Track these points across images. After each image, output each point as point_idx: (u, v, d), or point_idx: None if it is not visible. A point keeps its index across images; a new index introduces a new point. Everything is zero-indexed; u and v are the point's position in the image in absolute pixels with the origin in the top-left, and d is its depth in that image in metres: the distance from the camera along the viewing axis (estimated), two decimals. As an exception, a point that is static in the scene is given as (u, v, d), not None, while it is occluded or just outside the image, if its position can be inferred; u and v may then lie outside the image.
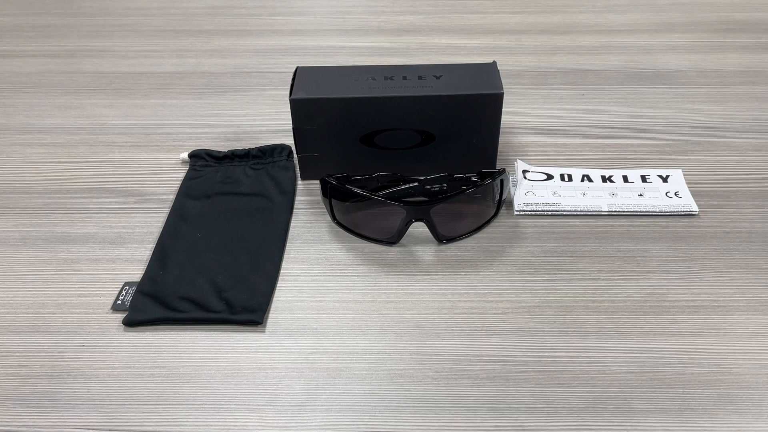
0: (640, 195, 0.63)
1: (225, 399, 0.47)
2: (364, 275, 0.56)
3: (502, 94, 0.61)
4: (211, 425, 0.46)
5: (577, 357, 0.49)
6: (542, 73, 0.84)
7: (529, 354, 0.50)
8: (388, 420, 0.46)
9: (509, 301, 0.54)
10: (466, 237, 0.59)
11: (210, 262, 0.57)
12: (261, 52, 0.89)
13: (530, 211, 0.62)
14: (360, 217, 0.60)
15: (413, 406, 0.46)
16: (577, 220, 0.61)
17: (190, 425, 0.46)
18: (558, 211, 0.61)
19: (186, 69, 0.86)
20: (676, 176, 0.65)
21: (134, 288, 0.54)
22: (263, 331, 0.52)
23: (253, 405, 0.47)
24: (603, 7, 0.99)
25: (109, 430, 0.45)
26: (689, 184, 0.64)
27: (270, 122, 0.75)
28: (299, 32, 0.93)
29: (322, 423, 0.45)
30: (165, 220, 0.62)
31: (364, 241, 0.59)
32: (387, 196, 0.57)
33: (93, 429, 0.45)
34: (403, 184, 0.61)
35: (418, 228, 0.59)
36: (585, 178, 0.65)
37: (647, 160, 0.68)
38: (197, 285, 0.54)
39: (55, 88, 0.83)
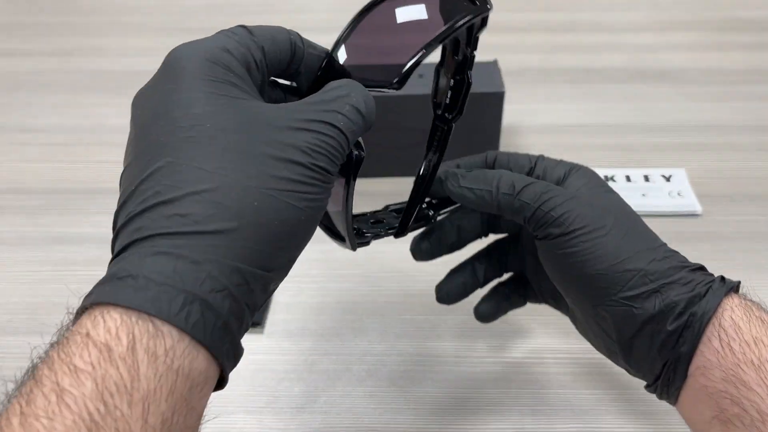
0: (643, 195, 0.62)
1: (223, 401, 0.46)
2: (364, 276, 0.56)
3: (503, 92, 0.60)
4: (208, 427, 0.45)
5: (579, 359, 0.49)
6: (544, 71, 0.83)
7: (530, 355, 0.49)
8: (388, 422, 0.45)
9: (511, 301, 0.53)
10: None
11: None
12: (260, 50, 0.88)
13: (532, 210, 0.61)
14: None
15: (414, 408, 0.46)
16: (579, 220, 0.60)
17: (187, 428, 0.45)
18: (560, 211, 0.61)
19: (184, 67, 0.85)
20: (679, 176, 0.65)
21: (131, 288, 0.54)
22: (262, 332, 0.51)
23: (251, 407, 0.46)
24: (605, 6, 0.99)
25: None
26: (692, 184, 0.64)
27: (269, 121, 0.75)
28: (299, 30, 0.93)
29: (322, 425, 0.45)
30: (163, 219, 0.61)
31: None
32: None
33: None
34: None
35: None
36: (587, 178, 0.64)
37: (650, 159, 0.68)
38: (195, 285, 0.54)
39: (51, 86, 0.82)
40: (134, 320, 0.23)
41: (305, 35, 0.34)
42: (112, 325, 0.23)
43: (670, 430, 0.44)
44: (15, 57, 0.89)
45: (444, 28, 0.33)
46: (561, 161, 0.40)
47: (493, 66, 0.63)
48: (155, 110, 0.28)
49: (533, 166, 0.40)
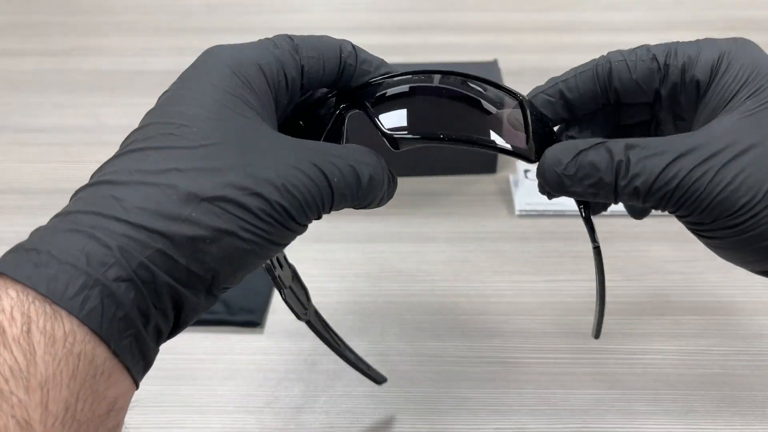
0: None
1: (223, 401, 0.47)
2: (364, 276, 0.56)
3: (503, 92, 0.60)
4: (208, 427, 0.45)
5: (579, 358, 0.49)
6: (544, 71, 0.83)
7: (530, 355, 0.49)
8: (388, 423, 0.45)
9: (510, 302, 0.53)
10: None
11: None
12: (260, 50, 0.88)
13: (532, 211, 0.61)
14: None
15: (414, 408, 0.46)
16: (579, 221, 0.60)
17: (187, 427, 0.45)
18: (560, 212, 0.61)
19: (184, 67, 0.85)
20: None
21: (131, 288, 0.54)
22: (262, 332, 0.51)
23: (251, 407, 0.46)
24: (606, 5, 0.99)
25: None
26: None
27: (269, 121, 0.75)
28: (298, 30, 0.92)
29: (322, 425, 0.45)
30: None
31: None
32: None
33: None
34: None
35: (419, 228, 0.59)
36: (587, 178, 0.64)
37: (649, 159, 0.68)
38: (195, 285, 0.54)
39: (51, 86, 0.82)
40: (31, 299, 0.21)
41: (304, 34, 0.33)
42: (8, 303, 0.21)
43: (670, 430, 0.44)
44: (15, 57, 0.89)
45: (467, 137, 0.30)
46: (701, 48, 0.30)
47: (493, 66, 0.63)
48: (164, 99, 0.28)
49: (664, 72, 0.31)
